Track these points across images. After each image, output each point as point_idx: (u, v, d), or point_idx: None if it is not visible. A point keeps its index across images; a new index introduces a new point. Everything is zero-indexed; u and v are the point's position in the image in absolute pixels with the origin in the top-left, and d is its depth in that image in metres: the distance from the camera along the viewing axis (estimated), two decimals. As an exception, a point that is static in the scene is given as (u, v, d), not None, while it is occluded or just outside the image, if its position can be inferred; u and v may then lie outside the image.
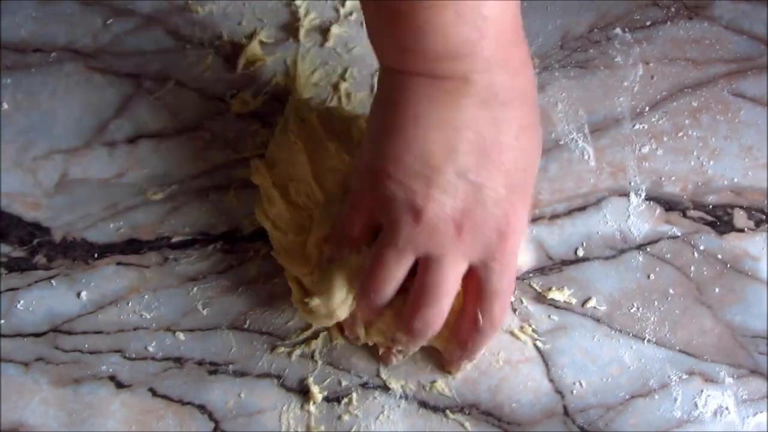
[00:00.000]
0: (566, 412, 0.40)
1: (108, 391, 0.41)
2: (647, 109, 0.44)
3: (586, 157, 0.43)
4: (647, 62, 0.44)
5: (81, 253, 0.43)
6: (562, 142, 0.43)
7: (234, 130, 0.44)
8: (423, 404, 0.40)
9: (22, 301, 0.42)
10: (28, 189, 0.44)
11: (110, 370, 0.41)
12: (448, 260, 0.34)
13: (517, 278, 0.39)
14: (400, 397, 0.40)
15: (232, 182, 0.43)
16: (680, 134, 0.43)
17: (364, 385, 0.40)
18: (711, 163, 0.43)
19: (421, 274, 0.35)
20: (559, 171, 0.43)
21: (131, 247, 0.42)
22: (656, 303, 0.41)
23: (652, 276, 0.42)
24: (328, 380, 0.41)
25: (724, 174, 0.43)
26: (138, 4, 0.46)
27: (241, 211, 0.43)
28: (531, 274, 0.42)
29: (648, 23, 0.45)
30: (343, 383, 0.41)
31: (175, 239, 0.43)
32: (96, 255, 0.43)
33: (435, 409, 0.40)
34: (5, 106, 0.45)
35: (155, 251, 0.42)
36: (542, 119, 0.43)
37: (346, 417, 0.40)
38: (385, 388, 0.40)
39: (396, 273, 0.35)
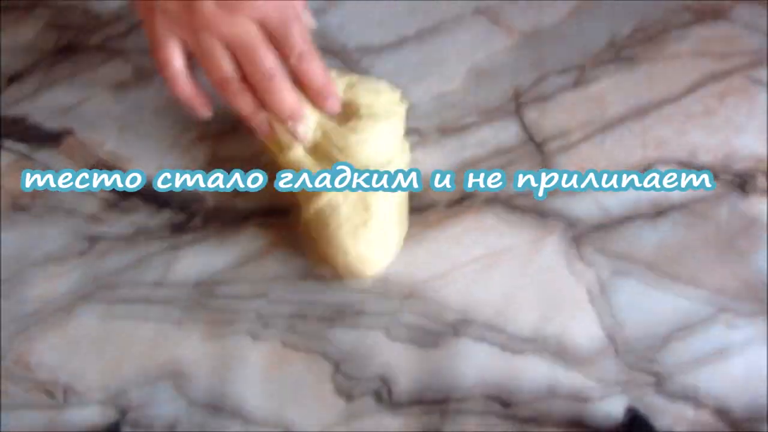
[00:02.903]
0: (617, 346, 0.46)
1: (249, 339, 0.48)
2: (683, 93, 0.50)
3: (635, 133, 0.50)
4: (681, 56, 0.51)
5: (230, 217, 0.50)
6: (615, 122, 0.50)
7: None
8: (504, 347, 0.47)
9: (182, 256, 0.49)
10: (185, 165, 0.51)
11: (252, 312, 0.48)
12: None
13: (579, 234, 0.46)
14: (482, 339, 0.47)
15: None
16: (710, 114, 0.50)
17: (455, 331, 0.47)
18: (736, 137, 0.49)
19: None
20: (613, 145, 0.50)
21: (270, 212, 0.50)
22: (694, 252, 0.47)
23: (690, 229, 0.47)
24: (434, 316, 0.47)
25: (747, 146, 0.49)
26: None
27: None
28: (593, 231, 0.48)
29: (681, 24, 0.52)
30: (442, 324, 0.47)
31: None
32: (242, 219, 0.50)
33: (513, 351, 0.46)
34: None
35: (288, 216, 0.49)
36: (598, 103, 0.51)
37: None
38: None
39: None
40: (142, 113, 0.52)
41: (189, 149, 0.52)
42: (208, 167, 0.51)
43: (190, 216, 0.50)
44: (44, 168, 0.52)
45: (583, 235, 0.48)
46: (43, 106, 0.53)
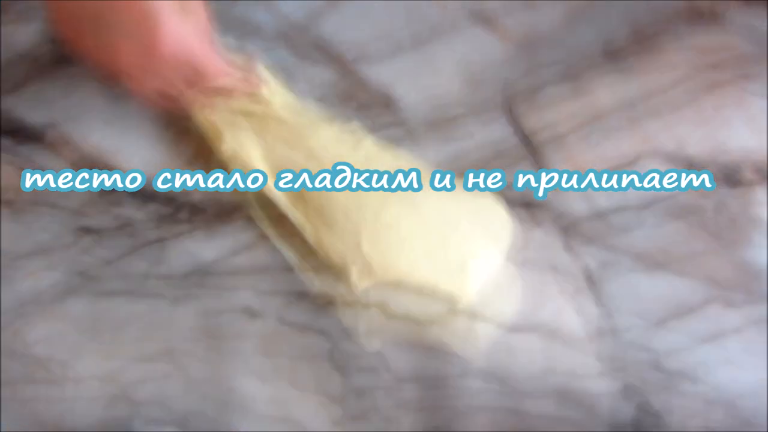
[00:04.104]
0: (614, 332, 0.47)
1: (244, 321, 0.48)
2: (672, 85, 0.51)
3: (623, 125, 0.50)
4: (674, 61, 0.52)
5: (217, 210, 0.50)
6: (610, 128, 0.51)
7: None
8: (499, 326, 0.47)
9: (170, 249, 0.49)
10: (172, 158, 0.51)
11: (245, 303, 0.48)
12: None
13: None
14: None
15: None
16: (698, 107, 0.51)
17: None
18: (723, 130, 0.50)
19: None
20: (601, 139, 0.50)
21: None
22: (683, 243, 0.48)
23: (679, 221, 0.48)
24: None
25: (734, 139, 0.50)
26: (264, 24, 0.53)
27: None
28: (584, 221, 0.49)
29: (674, 29, 0.52)
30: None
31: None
32: (229, 211, 0.50)
33: (510, 330, 0.47)
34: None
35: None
36: (592, 109, 0.51)
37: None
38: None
39: None
40: (127, 106, 0.52)
41: (175, 142, 0.51)
42: (195, 160, 0.51)
43: (177, 209, 0.50)
44: (27, 162, 0.51)
45: (571, 227, 0.49)
46: (26, 99, 0.52)
